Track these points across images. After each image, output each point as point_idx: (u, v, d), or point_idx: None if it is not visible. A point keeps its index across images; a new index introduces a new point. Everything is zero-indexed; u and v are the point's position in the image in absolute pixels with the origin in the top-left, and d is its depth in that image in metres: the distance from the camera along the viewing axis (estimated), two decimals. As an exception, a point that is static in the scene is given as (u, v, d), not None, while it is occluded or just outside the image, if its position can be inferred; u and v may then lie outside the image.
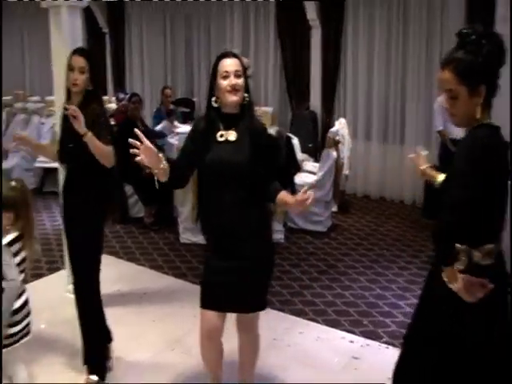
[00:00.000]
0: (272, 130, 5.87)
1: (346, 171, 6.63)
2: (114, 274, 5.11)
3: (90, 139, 3.18)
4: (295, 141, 6.54)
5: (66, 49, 3.53)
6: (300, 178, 6.24)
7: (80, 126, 3.14)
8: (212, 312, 2.89)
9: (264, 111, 6.55)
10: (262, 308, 2.98)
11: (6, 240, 2.79)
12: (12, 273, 2.76)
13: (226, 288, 2.83)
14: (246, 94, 2.77)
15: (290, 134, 6.72)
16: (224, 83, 2.72)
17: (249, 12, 8.77)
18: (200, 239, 5.89)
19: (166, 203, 6.54)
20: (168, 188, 2.94)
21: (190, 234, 5.98)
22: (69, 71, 3.32)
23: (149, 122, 7.80)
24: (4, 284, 2.76)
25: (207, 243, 2.97)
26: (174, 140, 6.51)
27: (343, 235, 6.23)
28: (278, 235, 5.82)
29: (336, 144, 6.17)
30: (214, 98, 2.79)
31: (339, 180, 6.46)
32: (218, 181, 2.75)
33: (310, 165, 6.87)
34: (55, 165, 5.18)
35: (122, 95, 8.35)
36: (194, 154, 2.83)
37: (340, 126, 6.40)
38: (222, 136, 2.78)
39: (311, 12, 7.77)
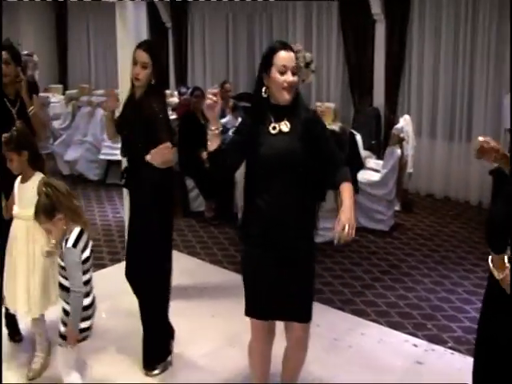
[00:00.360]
0: (335, 126, 5.78)
1: (409, 169, 6.45)
2: (175, 267, 5.08)
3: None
4: (358, 137, 6.40)
5: (131, 43, 3.56)
6: (363, 176, 6.11)
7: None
8: (257, 320, 2.81)
9: (326, 107, 6.45)
10: (310, 318, 2.82)
11: (70, 242, 2.82)
12: (79, 282, 2.81)
13: (275, 292, 2.72)
14: None
15: (354, 131, 6.59)
16: (281, 78, 2.60)
17: (311, 5, 8.65)
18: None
19: (227, 198, 6.54)
20: (212, 173, 2.85)
21: (249, 229, 5.95)
22: (133, 65, 3.33)
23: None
24: (71, 293, 2.81)
25: (248, 238, 2.80)
26: (235, 135, 6.48)
27: (406, 235, 6.07)
28: (340, 233, 5.71)
29: (401, 141, 6.01)
30: (264, 89, 2.67)
31: (402, 178, 6.30)
32: (273, 172, 2.64)
33: (372, 162, 6.72)
34: (119, 157, 5.25)
35: (183, 89, 8.40)
36: (243, 148, 2.71)
37: (404, 123, 6.23)
38: (274, 128, 2.68)
39: (375, 6, 7.59)
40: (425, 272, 5.07)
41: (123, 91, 3.87)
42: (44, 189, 2.85)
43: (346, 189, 2.59)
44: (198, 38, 10.50)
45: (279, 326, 2.91)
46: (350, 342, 3.85)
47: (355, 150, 5.67)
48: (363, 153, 6.74)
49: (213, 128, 2.64)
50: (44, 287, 3.31)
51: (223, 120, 7.35)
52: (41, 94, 10.71)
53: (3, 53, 3.71)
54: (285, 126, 2.66)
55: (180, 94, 8.33)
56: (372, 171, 6.35)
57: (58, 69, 13.40)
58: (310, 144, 2.63)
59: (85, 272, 2.88)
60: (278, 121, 2.68)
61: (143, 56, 3.28)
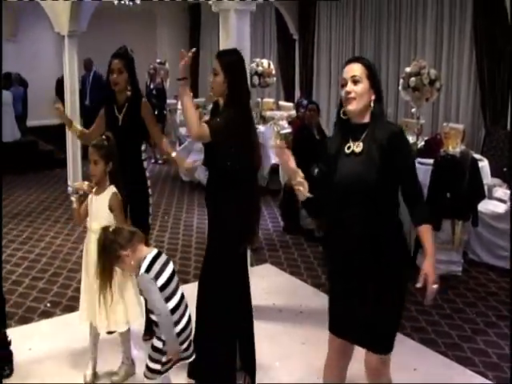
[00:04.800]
0: (457, 150, 5.31)
1: (544, 202, 5.76)
2: (273, 285, 5.03)
3: None
4: (483, 163, 5.84)
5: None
6: (486, 206, 5.55)
7: None
8: (335, 338, 2.68)
9: (452, 128, 5.96)
10: (387, 350, 2.59)
11: (143, 269, 2.77)
12: (157, 305, 2.74)
13: (350, 313, 2.59)
14: None
15: (478, 156, 6.03)
16: (342, 91, 2.57)
17: (443, 16, 8.11)
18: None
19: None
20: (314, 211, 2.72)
21: (357, 253, 5.63)
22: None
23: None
24: (155, 318, 2.78)
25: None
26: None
27: (534, 276, 5.40)
28: (455, 267, 5.24)
29: (532, 170, 5.39)
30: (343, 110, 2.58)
31: (534, 211, 5.63)
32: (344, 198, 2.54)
33: (501, 191, 6.09)
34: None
35: (303, 102, 8.24)
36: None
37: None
38: (349, 148, 2.54)
39: (515, 16, 6.93)
40: (550, 323, 4.45)
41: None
42: (103, 235, 2.86)
43: (427, 232, 2.45)
44: (323, 49, 10.38)
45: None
46: (447, 395, 3.44)
47: (477, 178, 5.15)
48: (491, 181, 6.15)
49: (294, 182, 2.55)
50: (117, 304, 3.28)
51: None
52: (170, 101, 11.18)
53: (117, 61, 3.77)
54: (357, 147, 2.50)
55: (297, 107, 8.15)
56: (498, 201, 5.75)
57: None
58: (387, 171, 2.44)
59: (168, 298, 2.78)
60: (355, 141, 2.53)
61: (215, 63, 3.17)
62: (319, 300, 4.79)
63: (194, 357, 2.93)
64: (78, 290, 3.63)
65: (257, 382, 3.43)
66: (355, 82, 2.48)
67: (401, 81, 6.02)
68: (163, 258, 2.83)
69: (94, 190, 3.39)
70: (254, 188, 3.27)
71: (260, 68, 8.74)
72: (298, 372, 3.65)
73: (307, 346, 3.98)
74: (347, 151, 2.52)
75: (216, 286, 3.21)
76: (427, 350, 3.91)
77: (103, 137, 3.41)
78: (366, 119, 2.52)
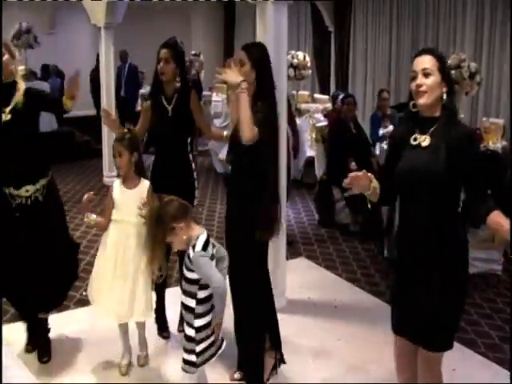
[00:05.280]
0: (498, 145, 5.18)
1: None
2: (308, 279, 5.01)
3: None
4: (526, 159, 5.69)
5: (270, 46, 3.35)
6: (528, 203, 5.40)
7: None
8: (399, 340, 2.63)
9: (492, 123, 5.83)
10: (448, 347, 2.54)
11: (199, 247, 2.76)
12: (214, 279, 2.74)
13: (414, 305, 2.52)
14: None
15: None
16: (412, 84, 2.50)
17: (483, 9, 7.90)
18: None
19: (376, 213, 6.16)
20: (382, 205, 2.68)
21: (397, 250, 5.54)
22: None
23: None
24: (213, 290, 2.77)
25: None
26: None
27: None
28: (496, 265, 5.10)
29: None
30: (412, 102, 2.55)
31: None
32: (408, 190, 2.52)
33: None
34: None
35: (340, 95, 8.13)
36: None
37: None
38: (415, 140, 2.50)
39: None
40: None
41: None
42: (159, 203, 2.84)
43: (498, 213, 2.37)
44: (359, 42, 10.28)
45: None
46: (486, 397, 3.35)
47: (520, 175, 5.03)
48: (533, 177, 5.99)
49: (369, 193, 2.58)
50: (131, 294, 3.30)
51: (383, 131, 6.93)
52: (204, 93, 11.16)
53: (166, 51, 3.73)
54: (424, 141, 2.47)
55: (333, 100, 8.05)
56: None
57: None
58: (453, 167, 2.40)
59: (206, 286, 2.79)
60: (422, 134, 2.49)
61: (241, 54, 3.12)
62: (354, 295, 4.76)
63: (223, 348, 2.92)
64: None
65: (288, 378, 3.43)
66: (426, 74, 2.43)
67: (440, 74, 5.90)
68: (211, 245, 2.84)
69: (120, 180, 3.42)
70: (275, 184, 3.27)
71: (295, 60, 8.65)
72: (331, 369, 3.60)
73: (343, 343, 3.93)
74: (413, 143, 2.49)
75: (236, 276, 3.25)
76: (466, 350, 3.83)
77: (125, 130, 3.42)
78: (437, 113, 2.48)
